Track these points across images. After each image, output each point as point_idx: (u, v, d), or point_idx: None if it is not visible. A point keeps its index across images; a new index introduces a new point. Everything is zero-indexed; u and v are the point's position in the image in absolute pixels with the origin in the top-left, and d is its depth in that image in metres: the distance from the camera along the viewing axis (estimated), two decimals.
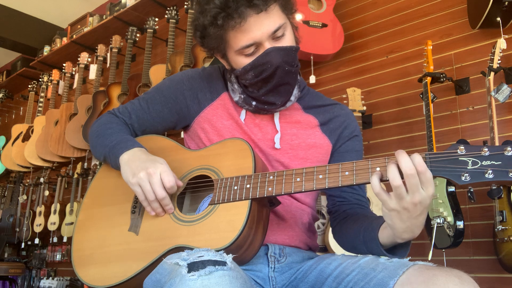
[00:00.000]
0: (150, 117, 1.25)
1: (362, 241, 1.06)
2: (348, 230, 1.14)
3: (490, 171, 0.83)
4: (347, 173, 0.94)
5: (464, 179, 0.84)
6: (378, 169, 0.90)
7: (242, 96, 1.20)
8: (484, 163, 0.84)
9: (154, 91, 1.27)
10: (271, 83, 1.13)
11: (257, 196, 0.99)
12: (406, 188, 0.86)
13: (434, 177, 0.87)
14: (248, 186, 1.01)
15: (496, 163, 0.83)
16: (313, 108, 1.27)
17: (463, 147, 0.86)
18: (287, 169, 1.17)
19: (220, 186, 1.04)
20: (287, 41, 1.12)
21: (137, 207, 1.12)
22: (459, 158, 0.86)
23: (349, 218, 1.17)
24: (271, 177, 1.00)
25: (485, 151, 0.84)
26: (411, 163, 0.85)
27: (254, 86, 1.16)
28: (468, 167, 0.85)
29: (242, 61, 1.12)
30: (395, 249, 1.02)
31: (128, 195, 1.15)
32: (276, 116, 1.22)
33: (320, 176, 0.96)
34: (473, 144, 2.17)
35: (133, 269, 1.02)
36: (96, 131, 1.24)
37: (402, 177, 0.86)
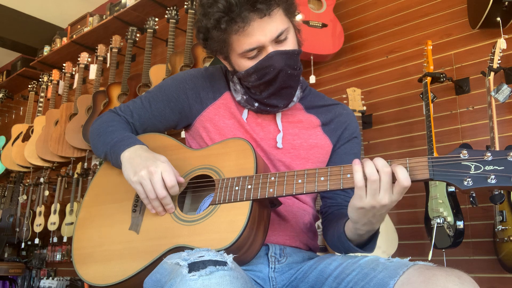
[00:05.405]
0: (152, 115, 1.25)
1: (337, 239, 1.08)
2: (330, 231, 1.16)
3: (493, 176, 0.82)
4: (349, 175, 0.94)
5: (467, 184, 0.84)
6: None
7: (245, 97, 1.21)
8: (487, 168, 0.83)
9: (157, 89, 1.27)
10: (273, 86, 1.13)
11: (258, 197, 0.99)
12: (380, 185, 0.89)
13: (435, 181, 0.87)
14: (249, 186, 1.00)
15: (499, 168, 0.82)
16: (315, 108, 1.28)
17: (466, 152, 0.85)
18: (289, 168, 1.18)
19: (221, 186, 1.04)
20: (290, 44, 1.12)
21: (138, 206, 1.12)
22: (462, 163, 0.85)
23: (333, 219, 1.18)
24: (273, 178, 1.00)
25: (488, 156, 0.83)
26: (385, 161, 0.89)
27: (256, 88, 1.16)
28: (470, 172, 0.84)
29: (245, 64, 1.12)
30: (364, 245, 1.06)
31: (129, 193, 1.14)
32: (278, 116, 1.23)
33: (322, 178, 0.96)
34: (473, 143, 2.19)
35: (133, 268, 1.02)
36: (97, 129, 1.23)
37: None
